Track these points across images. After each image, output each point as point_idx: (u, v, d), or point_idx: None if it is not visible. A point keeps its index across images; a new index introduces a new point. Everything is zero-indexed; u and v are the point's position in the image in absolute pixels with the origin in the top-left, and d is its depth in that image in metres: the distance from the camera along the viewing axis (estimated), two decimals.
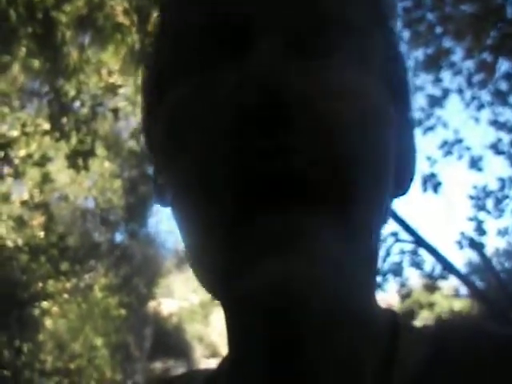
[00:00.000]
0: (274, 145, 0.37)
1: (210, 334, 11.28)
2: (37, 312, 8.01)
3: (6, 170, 6.10)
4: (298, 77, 0.38)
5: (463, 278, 5.41)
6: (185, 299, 11.47)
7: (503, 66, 5.89)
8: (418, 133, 6.15)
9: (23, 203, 5.85)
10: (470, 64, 6.27)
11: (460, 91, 6.04)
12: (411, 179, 0.47)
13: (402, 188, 0.46)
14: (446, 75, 6.47)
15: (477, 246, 5.44)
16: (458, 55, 6.51)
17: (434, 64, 6.37)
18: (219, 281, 0.39)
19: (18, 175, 5.79)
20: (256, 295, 0.37)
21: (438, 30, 6.51)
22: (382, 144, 0.41)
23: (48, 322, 8.36)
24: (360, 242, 0.39)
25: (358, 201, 0.39)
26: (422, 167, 5.78)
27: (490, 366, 0.41)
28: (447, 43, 6.53)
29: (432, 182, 5.81)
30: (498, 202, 5.74)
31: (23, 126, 6.13)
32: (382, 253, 5.85)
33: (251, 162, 0.37)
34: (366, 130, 0.39)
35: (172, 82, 0.43)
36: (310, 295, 0.37)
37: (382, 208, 0.42)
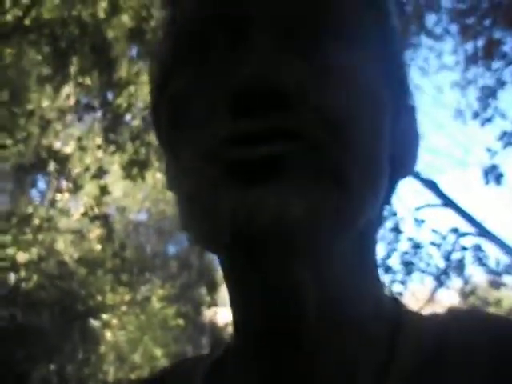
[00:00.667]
0: (269, 129, 0.38)
1: None
2: (97, 324, 8.14)
3: (64, 185, 6.24)
4: (293, 65, 0.39)
5: None
6: None
7: None
8: (475, 124, 6.03)
9: (83, 215, 5.96)
10: None
11: None
12: (414, 162, 0.48)
13: (403, 171, 0.47)
14: (498, 66, 6.33)
15: None
16: (509, 45, 6.36)
17: (485, 56, 6.25)
18: (206, 219, 0.39)
19: (76, 189, 5.91)
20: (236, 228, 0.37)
21: (487, 21, 6.39)
22: (375, 128, 0.42)
23: (108, 334, 8.49)
24: (353, 218, 0.40)
25: (352, 180, 0.39)
26: (482, 159, 5.67)
27: (491, 360, 0.41)
28: (497, 34, 6.40)
29: (494, 174, 5.68)
30: None
31: (79, 140, 6.26)
32: (444, 250, 5.73)
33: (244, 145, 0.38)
34: (359, 116, 0.40)
35: (171, 74, 0.44)
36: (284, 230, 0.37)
37: (378, 189, 0.42)
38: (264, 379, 0.43)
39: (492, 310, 6.13)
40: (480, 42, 6.42)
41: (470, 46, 6.57)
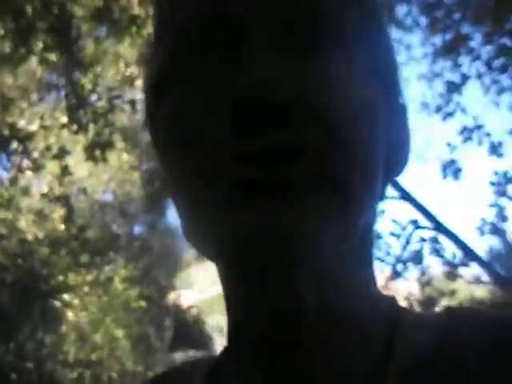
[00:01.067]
0: (272, 148, 0.38)
1: None
2: (58, 304, 8.10)
3: (26, 163, 6.16)
4: (291, 73, 0.39)
5: (484, 265, 5.36)
6: (204, 291, 11.53)
7: None
8: (437, 119, 6.10)
9: (43, 196, 5.90)
10: (489, 49, 6.19)
11: (479, 76, 5.97)
12: (406, 162, 0.48)
13: (396, 170, 0.48)
14: (464, 61, 6.40)
15: (499, 232, 5.39)
16: (476, 41, 6.43)
17: (452, 50, 6.30)
18: (209, 232, 0.40)
19: (37, 168, 5.84)
20: (242, 243, 0.37)
21: (456, 15, 6.44)
22: (372, 132, 0.42)
23: (70, 315, 8.45)
24: (355, 225, 0.41)
25: (354, 188, 0.40)
26: (442, 153, 5.74)
27: (489, 359, 0.40)
28: (466, 29, 6.45)
29: (452, 169, 5.76)
30: None
31: (41, 119, 6.17)
32: (402, 241, 5.82)
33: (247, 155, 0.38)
34: (359, 122, 0.41)
35: (168, 80, 0.44)
36: (293, 247, 0.37)
37: (373, 190, 0.43)
38: (263, 380, 0.43)
39: (446, 300, 6.26)
40: (448, 36, 6.48)
41: (438, 40, 6.63)
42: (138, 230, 9.96)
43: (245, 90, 0.37)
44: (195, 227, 0.41)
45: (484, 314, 0.45)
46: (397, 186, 5.61)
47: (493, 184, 5.67)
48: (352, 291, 0.43)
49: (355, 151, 0.40)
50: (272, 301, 0.41)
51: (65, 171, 5.63)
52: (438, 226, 5.44)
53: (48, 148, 5.75)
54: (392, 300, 0.47)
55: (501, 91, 5.88)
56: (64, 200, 5.83)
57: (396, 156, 0.47)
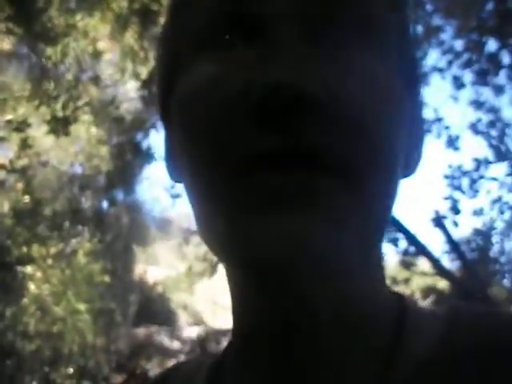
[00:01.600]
0: (299, 148, 0.37)
1: (195, 303, 11.39)
2: (20, 276, 8.06)
3: None
4: (316, 67, 0.37)
5: (432, 258, 5.45)
6: (170, 267, 11.55)
7: (490, 46, 5.85)
8: None
9: (1, 167, 5.85)
10: (459, 43, 6.23)
11: (440, 70, 6.01)
12: (419, 161, 0.47)
13: (410, 169, 0.47)
14: (433, 53, 6.43)
15: (442, 226, 5.47)
16: (447, 34, 6.46)
17: (422, 42, 6.32)
18: (226, 239, 0.38)
19: None
20: (263, 252, 0.36)
21: (428, 7, 6.46)
22: (397, 130, 0.41)
23: (31, 287, 8.42)
24: (374, 224, 0.40)
25: (379, 195, 0.39)
26: None
27: (496, 357, 0.40)
28: (437, 21, 6.48)
29: None
30: (473, 182, 5.76)
31: (2, 90, 6.09)
32: None
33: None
34: (382, 116, 0.39)
35: (185, 66, 0.42)
36: (319, 254, 0.36)
37: (395, 192, 0.42)
38: (266, 381, 0.43)
39: (401, 288, 6.37)
40: (420, 29, 6.49)
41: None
42: (105, 204, 9.92)
43: (271, 86, 0.35)
44: (211, 227, 0.40)
45: (489, 311, 0.45)
46: None
47: (447, 177, 5.75)
48: (362, 289, 0.43)
49: (383, 153, 0.39)
50: (285, 305, 0.40)
51: (25, 144, 5.58)
52: (392, 220, 5.51)
53: (9, 121, 5.69)
54: (398, 296, 0.47)
55: (461, 86, 5.92)
56: (21, 172, 5.78)
57: (411, 154, 0.46)
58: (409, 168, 0.46)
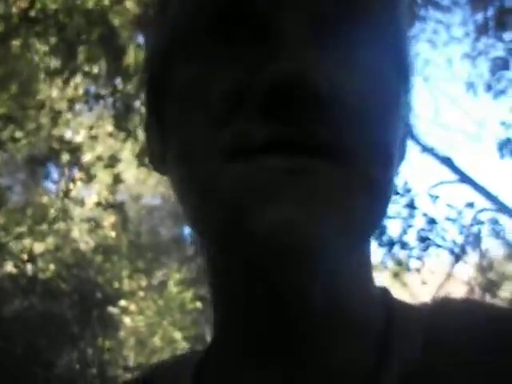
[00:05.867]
0: (306, 137, 0.36)
1: None
2: (116, 311, 8.23)
3: (77, 174, 6.26)
4: (326, 65, 0.37)
5: None
6: None
7: None
8: (488, 97, 5.97)
9: (98, 204, 5.99)
10: None
11: None
12: (405, 154, 0.47)
13: (401, 159, 0.47)
14: (509, 36, 6.24)
15: None
16: None
17: (496, 26, 6.15)
18: (222, 228, 0.38)
19: (89, 179, 5.93)
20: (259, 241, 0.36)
21: None
22: (396, 125, 0.41)
23: (127, 320, 8.59)
24: (375, 218, 0.39)
25: (380, 186, 0.39)
26: (497, 133, 5.62)
27: (488, 349, 0.40)
28: (509, 2, 6.29)
29: (509, 148, 5.64)
30: None
31: (89, 129, 6.27)
32: (460, 225, 5.71)
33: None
34: (383, 107, 0.40)
35: (184, 59, 0.41)
36: (312, 244, 0.36)
37: (391, 176, 0.41)
38: (255, 379, 0.42)
39: (509, 284, 6.13)
40: (490, 12, 6.33)
41: (480, 17, 6.48)
42: (188, 231, 10.05)
43: (282, 75, 0.36)
44: (210, 216, 0.39)
45: (480, 305, 0.45)
46: (455, 169, 5.50)
47: None
48: (355, 287, 0.42)
49: (383, 143, 0.39)
50: (278, 299, 0.40)
51: (117, 179, 5.71)
52: (499, 206, 5.32)
53: (99, 158, 5.83)
54: (385, 293, 0.46)
55: None
56: (118, 208, 5.90)
57: (403, 147, 0.46)
58: (401, 158, 0.46)
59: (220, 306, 0.44)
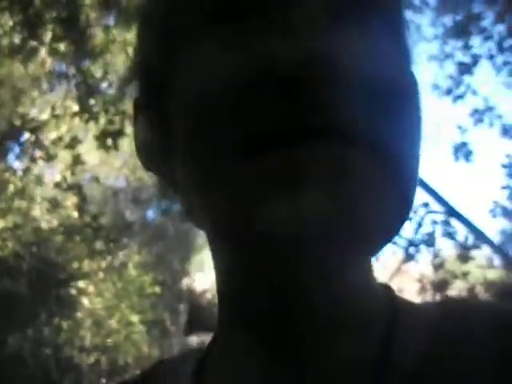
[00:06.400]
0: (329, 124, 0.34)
1: None
2: (74, 291, 8.18)
3: (38, 153, 6.20)
4: (340, 46, 0.35)
5: (495, 248, 5.36)
6: None
7: None
8: (447, 101, 6.06)
9: (56, 185, 5.95)
10: (501, 28, 6.12)
11: (491, 57, 5.91)
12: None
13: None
14: (475, 41, 6.33)
15: (510, 215, 5.37)
16: (488, 20, 6.35)
17: (463, 30, 6.23)
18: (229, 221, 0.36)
19: (49, 158, 5.88)
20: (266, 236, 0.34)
21: None
22: (414, 121, 0.39)
23: (85, 301, 8.54)
24: (397, 189, 0.37)
25: (405, 178, 0.37)
26: (453, 136, 5.72)
27: (491, 347, 0.39)
28: (477, 8, 6.37)
29: (463, 151, 5.74)
30: None
31: (53, 108, 6.20)
32: (413, 223, 5.82)
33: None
34: (403, 92, 0.38)
35: (189, 42, 0.39)
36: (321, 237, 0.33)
37: (416, 163, 0.40)
38: (256, 378, 0.41)
39: (459, 283, 6.27)
40: (459, 16, 6.40)
41: (448, 20, 6.56)
42: (151, 215, 10.02)
43: (302, 56, 0.33)
44: (226, 208, 0.36)
45: (482, 304, 0.44)
46: None
47: (505, 166, 5.65)
48: (359, 285, 0.41)
49: (404, 128, 0.37)
50: (282, 295, 0.38)
51: (77, 161, 5.67)
52: (450, 210, 5.44)
53: (60, 138, 5.78)
54: (388, 291, 0.45)
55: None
56: (77, 188, 5.87)
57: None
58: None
59: (222, 303, 0.44)
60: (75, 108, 5.93)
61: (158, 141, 0.43)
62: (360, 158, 0.34)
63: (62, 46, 5.77)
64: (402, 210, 0.37)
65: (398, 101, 0.37)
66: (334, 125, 0.34)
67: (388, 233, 0.37)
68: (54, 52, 5.70)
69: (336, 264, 0.36)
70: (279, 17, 0.36)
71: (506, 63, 5.88)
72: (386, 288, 0.45)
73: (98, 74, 6.09)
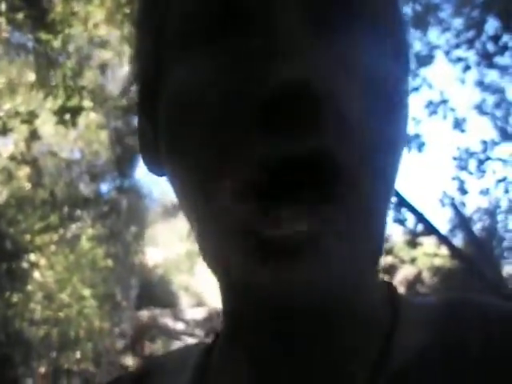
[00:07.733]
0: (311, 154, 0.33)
1: (196, 284, 11.47)
2: (25, 264, 8.08)
3: None
4: (323, 62, 0.34)
5: (441, 237, 5.56)
6: (170, 249, 11.59)
7: (491, 26, 5.89)
8: None
9: (11, 158, 5.84)
10: (458, 22, 6.26)
11: (447, 53, 6.05)
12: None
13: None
14: (434, 33, 6.45)
15: (453, 205, 5.56)
16: (446, 12, 6.48)
17: (421, 20, 6.34)
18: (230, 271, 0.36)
19: (5, 132, 5.76)
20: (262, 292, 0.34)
21: None
22: (399, 128, 0.39)
23: (36, 274, 8.45)
24: (379, 238, 0.37)
25: (381, 211, 0.37)
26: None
27: (494, 346, 0.39)
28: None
29: (416, 142, 5.90)
30: (480, 163, 5.88)
31: (9, 79, 6.05)
32: None
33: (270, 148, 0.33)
34: (389, 115, 0.37)
35: (173, 62, 0.38)
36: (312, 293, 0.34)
37: (393, 186, 0.39)
38: (257, 369, 0.41)
39: (407, 268, 6.48)
40: (418, 6, 6.50)
41: (408, 10, 6.65)
42: (105, 188, 9.94)
43: (283, 82, 0.32)
44: (215, 251, 0.37)
45: (482, 302, 0.44)
46: None
47: (455, 159, 5.84)
48: (362, 284, 0.40)
49: (384, 173, 0.37)
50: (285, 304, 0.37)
51: (34, 135, 5.58)
52: (399, 200, 5.59)
53: (17, 113, 5.66)
54: (390, 289, 0.45)
55: (467, 68, 5.97)
56: (32, 161, 5.78)
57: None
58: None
59: (224, 306, 0.44)
60: (32, 78, 5.80)
61: (153, 151, 0.43)
62: (339, 190, 0.34)
63: (19, 16, 5.63)
64: (375, 255, 0.38)
65: (385, 134, 0.36)
66: (318, 155, 0.33)
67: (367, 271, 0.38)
68: (11, 21, 5.55)
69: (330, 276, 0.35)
70: (262, 40, 0.35)
71: (460, 59, 6.01)
72: (388, 286, 0.45)
73: (57, 45, 5.97)
